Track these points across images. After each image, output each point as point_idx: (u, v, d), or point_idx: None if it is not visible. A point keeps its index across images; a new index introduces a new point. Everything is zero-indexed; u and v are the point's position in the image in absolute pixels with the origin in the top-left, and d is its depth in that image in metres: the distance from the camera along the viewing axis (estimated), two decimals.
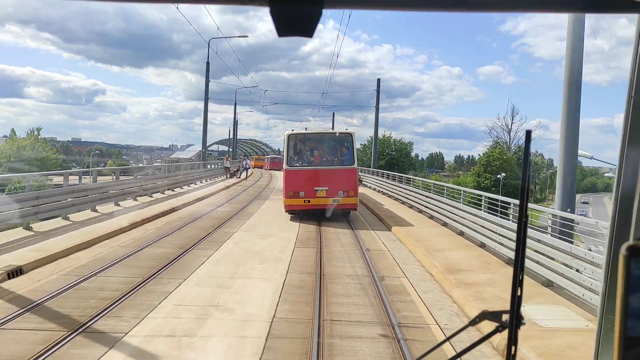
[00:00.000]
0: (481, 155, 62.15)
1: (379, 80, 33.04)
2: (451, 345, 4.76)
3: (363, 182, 30.01)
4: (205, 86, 29.51)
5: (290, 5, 0.63)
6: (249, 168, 38.41)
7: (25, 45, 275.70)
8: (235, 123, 59.58)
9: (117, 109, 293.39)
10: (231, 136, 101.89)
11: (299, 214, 15.61)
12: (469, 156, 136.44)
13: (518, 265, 0.89)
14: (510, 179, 53.97)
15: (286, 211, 15.77)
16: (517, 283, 0.89)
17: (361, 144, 65.33)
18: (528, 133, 0.92)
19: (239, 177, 34.58)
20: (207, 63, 28.96)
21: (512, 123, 65.55)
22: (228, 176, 34.05)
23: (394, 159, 58.73)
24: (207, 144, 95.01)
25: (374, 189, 26.98)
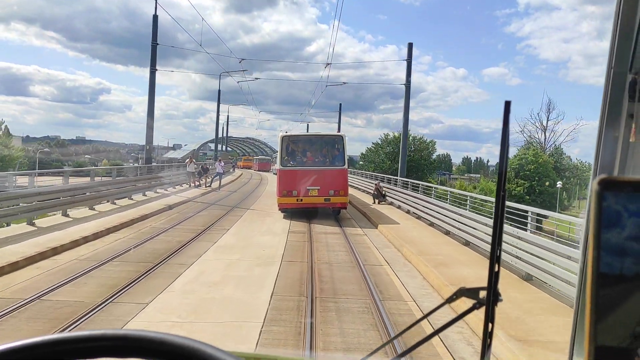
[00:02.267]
0: (511, 157, 51.51)
1: (410, 46, 22.87)
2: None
3: (386, 196, 20.23)
4: (152, 58, 19.74)
5: None
6: (223, 173, 27.52)
7: (30, 44, 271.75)
8: (219, 118, 50.22)
9: (122, 107, 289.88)
10: (240, 134, 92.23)
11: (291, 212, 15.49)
12: (476, 158, 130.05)
13: (495, 241, 0.84)
14: (546, 185, 44.06)
15: (279, 209, 15.85)
16: (495, 259, 0.85)
17: (372, 143, 55.25)
18: (507, 104, 0.86)
19: (208, 186, 24.89)
20: (154, 22, 19.10)
21: (547, 120, 55.64)
22: (193, 184, 24.46)
23: (413, 161, 48.42)
24: (203, 142, 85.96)
25: (407, 211, 17.24)
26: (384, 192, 20.20)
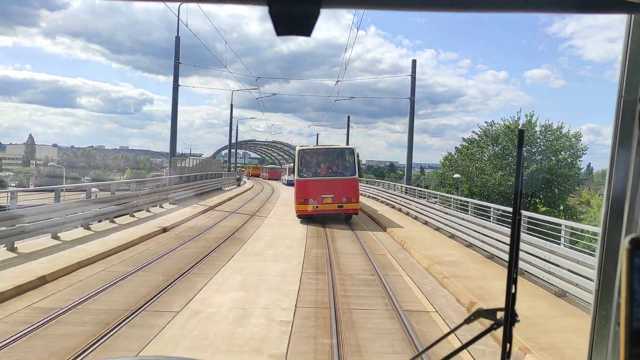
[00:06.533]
0: None
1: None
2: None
3: None
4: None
5: (289, 5, 0.64)
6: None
7: (77, 57, 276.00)
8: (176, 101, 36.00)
9: (164, 117, 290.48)
10: (272, 139, 76.68)
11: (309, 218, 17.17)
12: None
13: (512, 262, 0.87)
14: None
15: (297, 216, 17.55)
16: (512, 280, 0.87)
17: (464, 140, 33.76)
18: (521, 132, 0.92)
19: None
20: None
21: None
22: None
23: (543, 170, 28.31)
24: (218, 149, 70.98)
25: None
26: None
